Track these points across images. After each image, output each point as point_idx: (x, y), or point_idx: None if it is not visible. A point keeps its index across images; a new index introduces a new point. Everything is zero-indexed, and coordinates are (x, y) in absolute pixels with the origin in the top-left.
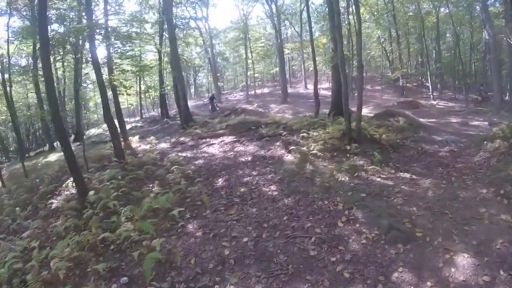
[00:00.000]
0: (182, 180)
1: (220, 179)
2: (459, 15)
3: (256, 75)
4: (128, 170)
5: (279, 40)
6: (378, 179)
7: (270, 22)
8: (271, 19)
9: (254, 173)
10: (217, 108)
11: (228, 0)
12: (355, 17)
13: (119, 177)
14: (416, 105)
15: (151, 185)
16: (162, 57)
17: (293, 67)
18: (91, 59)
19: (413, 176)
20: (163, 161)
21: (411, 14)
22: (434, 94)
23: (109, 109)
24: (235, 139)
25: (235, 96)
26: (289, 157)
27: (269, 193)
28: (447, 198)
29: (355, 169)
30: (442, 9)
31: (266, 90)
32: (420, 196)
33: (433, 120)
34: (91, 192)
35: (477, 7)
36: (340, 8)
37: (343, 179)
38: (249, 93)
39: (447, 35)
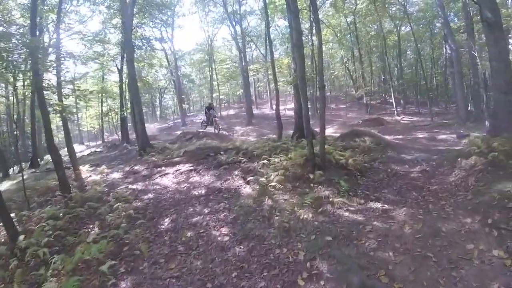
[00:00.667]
0: (123, 222)
1: (166, 220)
2: (420, 32)
3: (221, 96)
4: (70, 206)
5: (243, 62)
6: (346, 214)
7: (236, 44)
8: (235, 41)
9: (206, 211)
10: (216, 122)
11: (194, 22)
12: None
13: (61, 215)
14: (381, 122)
15: (91, 227)
16: (124, 79)
17: (259, 88)
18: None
19: (385, 205)
20: (109, 196)
21: (373, 33)
22: (398, 109)
23: (52, 136)
24: (191, 167)
25: (200, 118)
26: (246, 189)
27: (219, 238)
28: (427, 234)
29: (319, 202)
30: (403, 28)
31: (232, 112)
32: (396, 234)
33: (399, 136)
34: (22, 237)
35: (437, 24)
36: (304, 30)
37: (305, 216)
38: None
39: (408, 52)
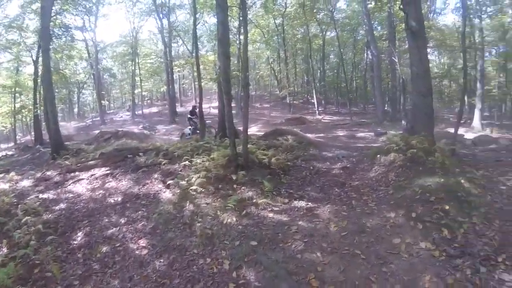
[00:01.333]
0: (32, 239)
1: (79, 233)
2: (344, 38)
3: (144, 93)
4: None
5: (168, 57)
6: (271, 215)
7: (162, 38)
8: (161, 35)
9: (122, 221)
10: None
11: (120, 12)
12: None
13: None
14: (304, 121)
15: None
16: (39, 72)
17: (184, 86)
18: None
19: (309, 203)
20: (18, 208)
21: (299, 36)
22: (320, 109)
23: None
24: (107, 171)
25: (121, 116)
26: (166, 194)
27: (137, 252)
28: (353, 231)
29: (243, 204)
30: (328, 33)
31: (154, 110)
32: (322, 233)
33: (321, 135)
34: None
35: (361, 31)
36: (232, 28)
37: (229, 220)
38: (137, 112)
39: (331, 56)
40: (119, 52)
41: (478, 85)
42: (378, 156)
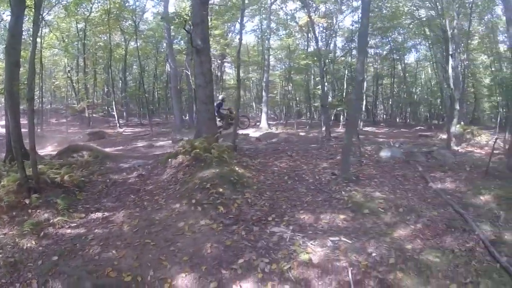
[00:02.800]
0: None
1: None
2: (147, 50)
3: None
4: None
5: None
6: (69, 231)
7: None
8: None
9: None
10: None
11: None
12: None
13: None
14: (103, 135)
15: None
16: None
17: None
18: None
19: (105, 213)
20: None
21: (101, 44)
22: (121, 122)
23: None
24: None
25: None
26: None
27: None
28: (144, 226)
29: (40, 227)
30: (132, 43)
31: None
32: (116, 234)
33: (120, 147)
34: None
35: (164, 43)
36: (30, 29)
37: (29, 245)
38: None
39: (134, 66)
40: None
41: (264, 93)
42: (170, 160)
